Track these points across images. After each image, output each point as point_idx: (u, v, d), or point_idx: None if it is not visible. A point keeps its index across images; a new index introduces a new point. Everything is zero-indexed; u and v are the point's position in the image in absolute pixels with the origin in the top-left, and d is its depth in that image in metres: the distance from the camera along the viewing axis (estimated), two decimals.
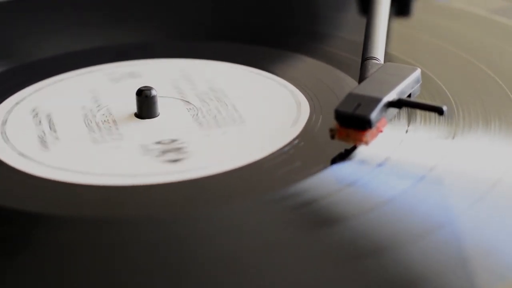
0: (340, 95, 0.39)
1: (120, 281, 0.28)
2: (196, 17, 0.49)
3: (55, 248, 0.29)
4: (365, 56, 0.38)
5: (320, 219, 0.30)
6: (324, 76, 0.41)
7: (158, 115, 0.38)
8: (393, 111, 0.34)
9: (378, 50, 0.38)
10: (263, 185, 0.33)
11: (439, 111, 0.33)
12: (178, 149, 0.35)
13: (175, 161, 0.34)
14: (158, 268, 0.28)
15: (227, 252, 0.29)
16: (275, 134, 0.36)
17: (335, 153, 0.34)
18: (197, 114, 0.38)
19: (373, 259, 0.28)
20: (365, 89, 0.34)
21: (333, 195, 0.31)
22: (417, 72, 0.36)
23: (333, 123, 0.33)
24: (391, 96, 0.34)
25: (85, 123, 0.38)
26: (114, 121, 0.38)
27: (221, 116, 0.38)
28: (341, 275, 0.28)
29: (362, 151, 0.34)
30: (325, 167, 0.33)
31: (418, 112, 0.36)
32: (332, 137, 0.33)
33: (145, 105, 0.37)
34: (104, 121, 0.38)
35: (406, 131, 0.35)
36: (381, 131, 0.34)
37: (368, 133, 0.33)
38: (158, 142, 0.36)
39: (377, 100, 0.33)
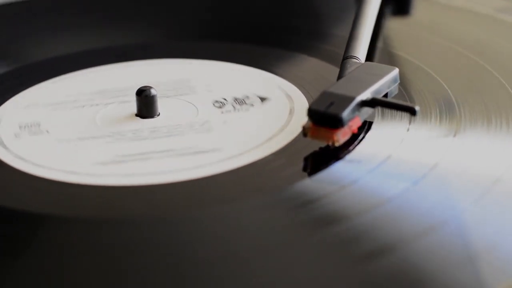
0: None
1: (120, 281, 0.28)
2: (196, 17, 0.49)
3: (55, 248, 0.29)
4: (346, 55, 0.38)
5: (321, 219, 0.30)
6: (325, 75, 0.41)
7: (158, 115, 0.38)
8: (367, 110, 0.34)
9: (360, 50, 0.39)
10: (263, 185, 0.33)
11: (411, 111, 0.33)
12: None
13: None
14: (158, 268, 0.28)
15: (227, 252, 0.29)
16: (275, 133, 0.36)
17: (336, 152, 0.34)
18: (196, 114, 0.38)
19: (375, 258, 0.28)
20: (340, 87, 0.34)
21: (334, 194, 0.31)
22: (395, 72, 0.36)
23: (306, 121, 0.33)
24: (365, 95, 0.34)
25: (83, 123, 0.38)
26: (114, 122, 0.38)
27: (220, 115, 0.38)
28: (343, 274, 0.28)
29: (363, 150, 0.34)
30: (326, 166, 0.33)
31: (419, 110, 0.36)
32: (305, 135, 0.33)
33: (145, 105, 0.37)
34: (103, 120, 0.38)
35: (407, 130, 0.35)
36: (355, 131, 0.34)
37: (340, 132, 0.33)
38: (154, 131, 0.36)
39: (350, 99, 0.33)
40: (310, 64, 0.42)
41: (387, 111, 0.36)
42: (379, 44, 0.44)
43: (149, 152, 0.35)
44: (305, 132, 0.33)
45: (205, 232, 0.30)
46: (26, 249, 0.29)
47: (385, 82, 0.35)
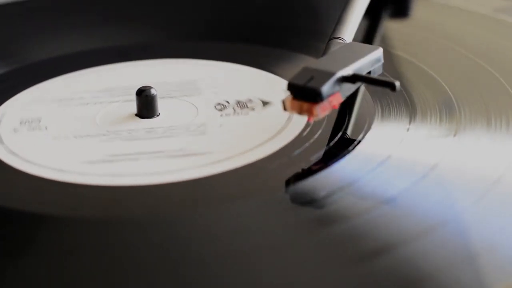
0: None
1: (120, 281, 0.28)
2: (196, 17, 0.49)
3: (55, 248, 0.29)
4: (332, 36, 0.38)
5: (321, 219, 0.30)
6: None
7: (158, 115, 0.38)
8: (349, 86, 0.34)
9: (347, 32, 0.39)
10: (263, 185, 0.33)
11: (391, 86, 0.33)
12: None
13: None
14: (158, 268, 0.28)
15: (227, 252, 0.29)
16: (275, 133, 0.36)
17: (336, 152, 0.34)
18: (197, 114, 0.38)
19: (375, 258, 0.28)
20: (321, 64, 0.34)
21: (334, 194, 0.31)
22: (379, 52, 0.36)
23: (286, 95, 0.33)
24: (346, 71, 0.34)
25: (84, 123, 0.38)
26: (114, 122, 0.38)
27: (221, 116, 0.38)
28: (343, 274, 0.28)
29: (363, 150, 0.34)
30: (326, 166, 0.33)
31: (419, 110, 0.36)
32: (285, 109, 0.33)
33: (145, 105, 0.37)
34: (104, 121, 0.38)
35: (407, 130, 0.35)
36: (336, 107, 0.34)
37: (319, 106, 0.33)
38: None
39: (330, 74, 0.33)
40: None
41: (387, 111, 0.36)
42: (379, 44, 0.44)
43: (147, 153, 0.35)
44: (284, 106, 0.33)
45: (205, 232, 0.30)
46: (25, 249, 0.29)
47: (367, 60, 0.35)
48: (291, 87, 0.33)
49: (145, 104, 0.37)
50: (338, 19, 0.40)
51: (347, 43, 0.37)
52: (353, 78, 0.34)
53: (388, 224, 0.30)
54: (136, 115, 0.38)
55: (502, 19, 0.46)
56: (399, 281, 0.27)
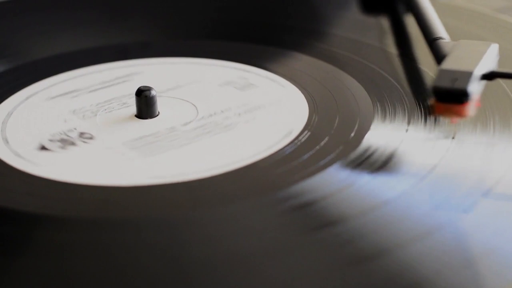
0: (339, 94, 0.39)
1: (119, 281, 0.28)
2: (196, 17, 0.49)
3: (54, 248, 0.30)
4: (432, 37, 0.38)
5: (320, 220, 0.30)
6: (324, 75, 0.41)
7: (157, 115, 0.38)
8: (482, 84, 0.34)
9: (440, 30, 0.39)
10: (263, 185, 0.33)
11: None
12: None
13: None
14: (157, 268, 0.28)
15: (226, 252, 0.29)
16: (274, 134, 0.36)
17: (334, 153, 0.34)
18: (196, 113, 0.38)
19: (373, 260, 0.28)
20: (454, 64, 0.34)
21: (333, 195, 0.31)
22: (495, 47, 0.36)
23: (430, 99, 0.33)
24: (483, 68, 0.34)
25: (83, 123, 0.38)
26: (113, 122, 0.38)
27: (220, 115, 0.38)
28: (340, 276, 0.28)
29: (362, 151, 0.34)
30: (324, 167, 0.33)
31: (418, 111, 0.36)
32: (431, 113, 0.34)
33: (145, 105, 0.37)
34: (104, 121, 0.38)
35: (406, 131, 0.35)
36: (479, 105, 0.34)
37: (468, 106, 0.33)
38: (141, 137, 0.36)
39: (469, 73, 0.33)
40: (310, 64, 0.42)
41: (387, 111, 0.36)
42: (377, 44, 0.44)
43: (147, 153, 0.35)
44: (432, 110, 0.33)
45: (205, 233, 0.30)
46: (25, 249, 0.29)
47: (491, 56, 0.35)
48: (436, 90, 0.33)
49: (145, 105, 0.37)
50: (420, 20, 0.40)
51: (459, 42, 0.37)
52: (491, 75, 0.34)
53: (386, 226, 0.30)
54: (136, 115, 0.38)
55: (502, 19, 0.46)
56: (397, 284, 0.27)
